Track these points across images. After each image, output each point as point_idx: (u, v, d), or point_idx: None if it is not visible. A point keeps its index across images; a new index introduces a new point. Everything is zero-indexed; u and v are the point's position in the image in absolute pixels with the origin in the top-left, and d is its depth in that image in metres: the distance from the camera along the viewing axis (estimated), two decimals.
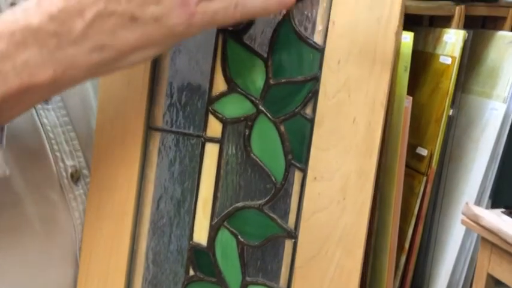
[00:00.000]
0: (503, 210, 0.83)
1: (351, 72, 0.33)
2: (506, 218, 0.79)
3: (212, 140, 0.38)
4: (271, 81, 0.36)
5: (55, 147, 0.41)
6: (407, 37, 0.99)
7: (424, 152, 1.04)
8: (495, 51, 1.02)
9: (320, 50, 0.34)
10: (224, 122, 0.37)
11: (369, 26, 0.33)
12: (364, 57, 0.33)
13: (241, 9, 0.31)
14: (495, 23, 1.01)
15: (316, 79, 0.34)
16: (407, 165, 0.94)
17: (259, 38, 0.35)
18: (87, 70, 0.31)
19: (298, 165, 0.36)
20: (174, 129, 0.38)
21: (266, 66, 0.36)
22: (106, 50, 0.30)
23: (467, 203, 0.87)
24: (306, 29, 0.34)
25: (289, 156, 0.36)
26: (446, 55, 1.00)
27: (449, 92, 0.99)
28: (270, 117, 0.36)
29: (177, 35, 0.31)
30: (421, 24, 1.08)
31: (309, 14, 0.34)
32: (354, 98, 0.33)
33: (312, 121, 0.35)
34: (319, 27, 0.35)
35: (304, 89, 0.35)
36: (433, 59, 1.04)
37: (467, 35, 0.96)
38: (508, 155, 0.98)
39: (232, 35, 0.35)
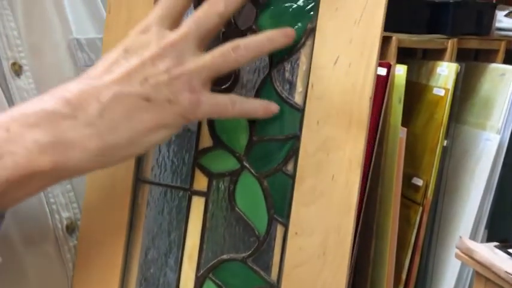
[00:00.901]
0: (496, 244, 0.84)
1: (329, 133, 0.35)
2: (499, 252, 0.80)
3: (198, 193, 0.39)
4: (255, 139, 0.37)
5: (51, 200, 0.43)
6: (401, 70, 1.02)
7: (419, 182, 1.05)
8: (488, 83, 1.04)
9: (300, 111, 0.36)
10: (210, 176, 0.39)
11: (345, 90, 0.34)
12: (341, 120, 0.34)
13: (238, 106, 0.34)
14: (487, 55, 1.03)
15: (296, 138, 0.36)
16: (403, 195, 0.95)
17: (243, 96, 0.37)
18: (99, 153, 0.31)
19: (280, 219, 0.37)
20: (162, 182, 0.40)
21: (249, 124, 0.37)
22: (120, 131, 0.31)
23: (461, 237, 0.88)
24: (286, 90, 0.36)
25: (272, 211, 0.37)
26: (440, 87, 1.02)
27: (443, 123, 1.00)
28: (254, 173, 0.38)
29: (186, 117, 0.33)
30: (414, 56, 1.11)
31: (290, 77, 0.36)
32: (332, 157, 0.35)
33: (293, 177, 0.36)
34: (300, 88, 0.36)
35: (285, 147, 0.36)
36: (427, 91, 1.05)
37: (459, 67, 0.98)
38: (503, 187, 0.99)
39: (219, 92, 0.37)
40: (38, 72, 0.43)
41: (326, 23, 0.35)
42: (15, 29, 0.42)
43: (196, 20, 0.33)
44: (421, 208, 1.02)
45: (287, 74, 0.36)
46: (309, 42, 0.36)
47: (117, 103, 0.30)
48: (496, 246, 0.82)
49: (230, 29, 0.37)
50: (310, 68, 0.35)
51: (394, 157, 1.04)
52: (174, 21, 0.34)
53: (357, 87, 0.34)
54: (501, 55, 1.01)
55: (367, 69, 0.33)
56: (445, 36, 1.01)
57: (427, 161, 1.04)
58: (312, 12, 0.35)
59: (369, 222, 0.86)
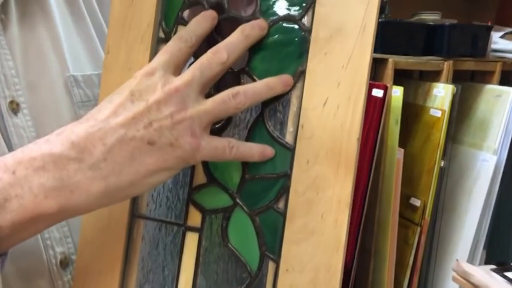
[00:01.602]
0: (493, 267, 0.84)
1: (319, 172, 0.36)
2: (496, 275, 0.80)
3: (192, 229, 0.40)
4: (247, 176, 0.38)
5: (46, 235, 0.44)
6: (398, 91, 1.03)
7: (417, 202, 1.06)
8: (484, 103, 1.05)
9: (291, 150, 0.37)
10: (203, 212, 0.40)
11: (333, 131, 0.35)
12: (331, 160, 0.35)
13: (235, 150, 0.36)
14: (484, 76, 1.04)
15: (287, 176, 0.37)
16: (401, 216, 0.96)
17: (236, 136, 0.38)
18: (102, 195, 0.32)
19: (271, 256, 0.38)
20: (157, 217, 0.41)
21: (242, 162, 0.38)
22: (124, 174, 0.32)
23: (457, 260, 0.88)
24: (278, 129, 0.37)
25: (264, 248, 0.38)
26: (436, 108, 1.03)
27: (440, 144, 1.01)
28: (246, 209, 0.39)
29: (186, 160, 0.34)
30: (411, 77, 1.12)
31: (281, 117, 0.37)
32: (321, 196, 0.36)
33: (284, 215, 0.37)
34: (290, 128, 0.37)
35: (276, 185, 0.37)
36: (424, 111, 1.06)
37: (455, 89, 0.99)
38: (501, 208, 0.99)
39: (213, 133, 0.38)
40: (35, 110, 0.44)
41: (315, 66, 0.36)
42: (13, 67, 0.43)
43: (200, 67, 0.34)
44: (419, 228, 1.03)
45: (278, 114, 0.37)
46: (299, 84, 0.37)
47: (121, 146, 0.31)
48: (492, 270, 0.83)
49: None
50: (300, 109, 0.36)
51: (392, 178, 1.05)
52: (178, 67, 0.36)
53: (345, 129, 0.35)
54: (497, 76, 1.02)
55: (354, 112, 0.35)
56: (441, 58, 1.03)
57: (425, 182, 1.05)
58: (302, 56, 0.37)
59: (367, 242, 0.87)
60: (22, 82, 0.44)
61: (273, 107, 0.37)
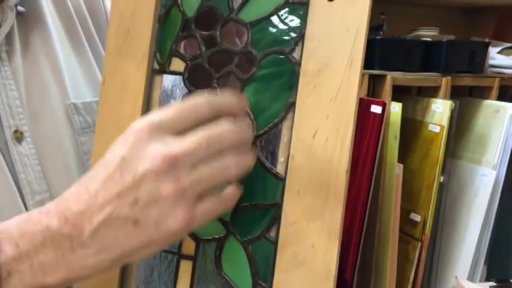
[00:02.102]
0: (492, 284, 0.84)
1: (309, 203, 0.36)
2: None
3: (186, 257, 0.40)
4: (240, 206, 0.39)
5: None
6: (396, 107, 1.03)
7: (417, 217, 1.06)
8: (483, 119, 1.05)
9: (282, 180, 0.38)
10: (197, 241, 0.41)
11: (323, 163, 0.36)
12: (320, 190, 0.36)
13: (228, 204, 0.35)
14: (482, 92, 1.04)
15: (278, 206, 0.37)
16: (401, 231, 0.96)
17: None
18: (95, 268, 0.32)
19: (264, 285, 0.38)
20: None
21: None
22: (111, 251, 0.31)
23: (456, 277, 0.88)
24: (269, 159, 0.38)
25: (256, 277, 0.38)
26: (435, 123, 1.03)
27: (439, 159, 1.01)
28: (239, 238, 0.39)
29: (175, 235, 0.32)
30: (409, 92, 1.12)
31: (272, 147, 0.38)
32: (312, 226, 0.36)
33: (275, 244, 0.38)
34: (281, 159, 0.38)
35: (268, 214, 0.38)
36: (423, 127, 1.07)
37: (454, 105, 0.99)
38: (501, 222, 0.99)
39: None
40: (38, 138, 0.45)
41: (305, 99, 0.37)
42: (18, 97, 0.45)
43: (208, 138, 0.32)
44: (419, 244, 1.03)
45: (270, 145, 0.38)
46: (289, 116, 0.38)
47: (107, 226, 0.31)
48: (492, 287, 0.82)
49: None
50: (291, 140, 0.37)
51: (392, 193, 1.05)
52: (182, 130, 0.33)
53: (334, 161, 0.35)
54: (495, 92, 1.03)
55: (343, 144, 0.35)
56: (439, 74, 1.03)
57: (425, 197, 1.05)
58: (292, 88, 0.37)
59: (368, 258, 0.87)
60: (25, 111, 0.45)
61: (265, 137, 0.38)
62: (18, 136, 0.44)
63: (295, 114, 0.37)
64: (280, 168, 0.38)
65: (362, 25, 0.35)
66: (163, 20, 0.41)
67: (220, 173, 0.32)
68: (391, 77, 1.03)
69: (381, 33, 1.07)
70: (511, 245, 1.03)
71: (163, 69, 0.41)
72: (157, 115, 0.32)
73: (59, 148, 0.47)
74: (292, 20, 0.38)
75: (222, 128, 0.33)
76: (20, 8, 0.45)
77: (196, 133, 0.32)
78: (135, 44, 0.41)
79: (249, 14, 0.39)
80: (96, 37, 0.51)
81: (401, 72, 1.02)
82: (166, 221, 0.31)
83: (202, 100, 0.33)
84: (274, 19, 0.38)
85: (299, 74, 0.37)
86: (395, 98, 1.04)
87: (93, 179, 0.32)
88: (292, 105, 0.37)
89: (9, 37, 0.44)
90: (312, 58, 0.37)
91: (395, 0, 1.19)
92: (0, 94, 0.44)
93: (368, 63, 1.04)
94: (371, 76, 1.04)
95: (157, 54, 0.41)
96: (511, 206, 1.03)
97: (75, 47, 0.50)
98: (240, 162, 0.33)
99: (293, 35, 0.37)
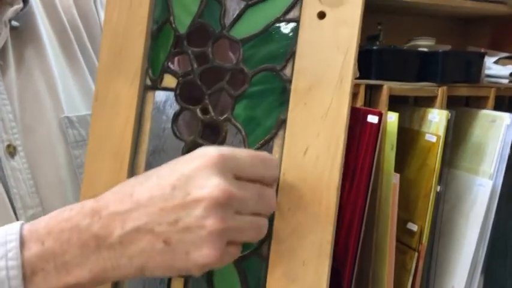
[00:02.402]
0: None
1: (300, 220, 0.36)
2: None
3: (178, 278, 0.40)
4: None
5: None
6: (393, 117, 1.04)
7: (414, 227, 1.06)
8: (479, 128, 1.06)
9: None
10: None
11: (314, 180, 0.36)
12: (311, 208, 0.36)
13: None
14: (478, 102, 1.05)
15: (270, 223, 0.37)
16: (398, 240, 0.95)
17: None
18: (116, 273, 0.32)
19: None
20: None
21: None
22: (133, 260, 0.31)
23: (453, 287, 0.88)
24: None
25: None
26: (432, 133, 1.04)
27: (436, 169, 1.01)
28: None
29: (196, 268, 0.31)
30: (406, 102, 1.12)
31: None
32: (303, 243, 0.36)
33: (267, 261, 0.37)
34: None
35: None
36: (419, 137, 1.07)
37: (450, 115, 1.00)
38: (498, 234, 0.99)
39: None
40: (31, 152, 0.45)
41: (295, 116, 0.37)
42: (11, 111, 0.44)
43: (262, 194, 0.33)
44: (416, 254, 1.03)
45: None
46: (281, 133, 0.38)
47: (137, 235, 0.31)
48: None
49: (208, 117, 0.39)
50: (282, 156, 0.37)
51: (388, 203, 1.05)
52: (242, 176, 0.33)
53: (324, 178, 0.35)
54: (491, 102, 1.03)
55: (334, 162, 0.35)
56: (435, 84, 1.04)
57: (421, 207, 1.05)
58: (283, 105, 0.37)
59: (365, 268, 0.86)
60: (19, 125, 0.45)
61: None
62: (11, 151, 0.44)
63: (287, 132, 0.37)
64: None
65: (352, 44, 0.35)
66: (155, 36, 0.41)
67: (254, 230, 0.33)
68: (388, 87, 1.03)
69: (378, 43, 1.08)
70: (508, 255, 1.03)
71: (156, 86, 0.41)
72: (230, 151, 0.32)
73: (52, 162, 0.47)
74: (283, 37, 0.38)
75: (272, 193, 0.34)
76: (14, 23, 0.45)
77: (254, 185, 0.32)
78: (128, 60, 0.41)
79: (241, 31, 0.39)
80: (90, 49, 0.51)
81: (398, 82, 1.03)
82: (195, 252, 0.30)
83: (274, 161, 0.35)
84: (266, 36, 0.38)
85: (290, 91, 0.37)
86: (392, 108, 1.04)
87: (142, 185, 0.32)
88: (284, 122, 0.37)
89: (3, 52, 0.44)
90: (302, 76, 0.37)
91: (392, 10, 1.20)
92: None
93: (365, 73, 1.05)
94: (368, 86, 1.04)
95: (150, 71, 0.41)
96: (508, 215, 1.03)
97: (69, 59, 0.50)
98: (264, 229, 0.33)
99: (284, 52, 0.37)
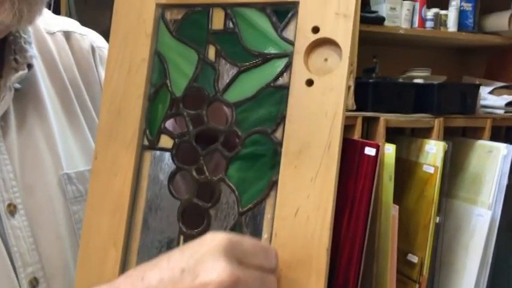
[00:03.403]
0: None
1: (291, 279, 0.37)
2: None
3: None
4: None
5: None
6: (390, 148, 1.05)
7: (414, 259, 1.06)
8: (476, 159, 1.07)
9: None
10: None
11: (305, 241, 0.37)
12: (303, 267, 0.37)
13: None
14: (475, 132, 1.06)
15: None
16: (399, 272, 0.96)
17: None
18: None
19: None
20: None
21: None
22: None
23: None
24: (254, 235, 0.39)
25: None
26: (429, 164, 1.05)
27: (434, 200, 1.02)
28: None
29: None
30: (403, 133, 1.14)
31: (257, 224, 0.39)
32: None
33: None
34: (265, 235, 0.39)
35: None
36: (417, 167, 1.08)
37: (447, 146, 1.01)
38: (498, 264, 0.99)
39: (192, 237, 0.41)
40: (31, 210, 0.46)
41: (286, 178, 0.38)
42: (12, 171, 0.45)
43: (262, 280, 0.34)
44: (417, 285, 1.03)
45: (254, 221, 0.39)
46: (272, 193, 0.39)
47: None
48: None
49: (203, 177, 0.41)
50: (274, 216, 0.38)
51: (388, 234, 1.06)
52: (245, 263, 0.33)
53: (315, 239, 0.37)
54: (487, 132, 1.04)
55: (323, 223, 0.36)
56: (431, 116, 1.05)
57: (421, 238, 1.06)
58: (275, 167, 0.39)
59: None
60: (19, 184, 0.46)
61: (249, 214, 0.40)
62: (12, 209, 0.45)
63: (278, 193, 0.38)
64: None
65: (339, 110, 0.37)
66: (152, 98, 0.43)
67: None
68: (384, 119, 1.05)
69: (374, 75, 1.10)
70: (510, 284, 1.03)
71: (153, 146, 0.43)
72: (237, 237, 0.34)
73: (52, 219, 0.47)
74: (274, 102, 0.39)
75: (274, 280, 0.35)
76: (16, 85, 0.46)
77: (257, 271, 0.34)
78: (126, 121, 0.43)
79: (234, 95, 0.41)
80: (91, 108, 0.52)
81: (395, 114, 1.04)
82: None
83: (274, 251, 0.36)
84: (257, 101, 0.40)
85: (281, 153, 0.39)
86: (388, 139, 1.06)
87: (152, 269, 0.33)
88: (275, 183, 0.39)
89: (5, 114, 0.46)
90: (292, 139, 0.38)
91: (388, 42, 1.22)
92: None
93: (361, 105, 1.07)
94: (364, 118, 1.06)
95: (147, 131, 0.43)
96: (508, 245, 1.04)
97: (69, 117, 0.51)
98: None
99: (275, 116, 0.39)
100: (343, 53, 0.38)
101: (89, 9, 1.20)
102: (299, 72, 0.38)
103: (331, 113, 0.38)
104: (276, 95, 0.40)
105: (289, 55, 0.39)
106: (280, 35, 0.40)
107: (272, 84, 0.40)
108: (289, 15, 0.39)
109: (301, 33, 0.39)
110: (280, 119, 0.39)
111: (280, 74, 0.40)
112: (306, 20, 0.39)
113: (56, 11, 1.09)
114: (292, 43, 0.39)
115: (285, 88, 0.39)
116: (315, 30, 0.38)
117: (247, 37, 0.41)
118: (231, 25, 0.41)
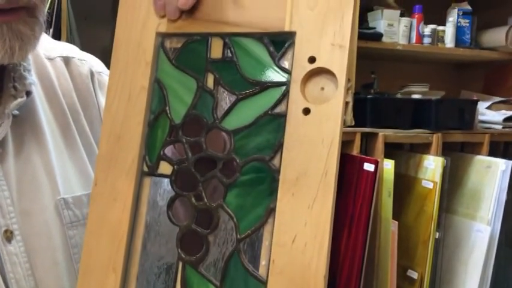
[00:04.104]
0: None
1: None
2: None
3: None
4: None
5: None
6: (389, 164, 1.05)
7: (414, 275, 1.06)
8: (475, 174, 1.08)
9: (264, 283, 0.39)
10: None
11: (302, 268, 0.38)
12: None
13: None
14: (473, 147, 1.07)
15: None
16: None
17: (213, 268, 0.41)
18: None
19: None
20: None
21: None
22: None
23: None
24: (252, 262, 0.40)
25: None
26: (428, 180, 1.05)
27: (434, 216, 1.03)
28: None
29: None
30: (402, 148, 1.15)
31: (255, 250, 0.40)
32: None
33: None
34: (263, 262, 0.40)
35: None
36: (416, 183, 1.09)
37: (445, 161, 1.02)
38: (498, 281, 1.00)
39: (191, 263, 0.41)
40: (28, 235, 0.46)
41: (284, 205, 0.39)
42: (9, 196, 0.45)
43: None
44: None
45: (252, 248, 0.40)
46: (270, 220, 0.40)
47: None
48: None
49: (201, 203, 0.42)
50: (271, 243, 0.39)
51: (388, 250, 1.06)
52: None
53: (312, 266, 0.37)
54: (486, 147, 1.05)
55: (320, 250, 0.37)
56: (429, 131, 1.06)
57: (421, 253, 1.06)
58: (272, 194, 0.40)
59: None
60: (16, 209, 0.46)
61: (247, 240, 0.40)
62: (8, 235, 0.45)
63: (276, 220, 0.39)
64: (262, 272, 0.39)
65: (335, 138, 0.38)
66: (152, 125, 0.44)
67: None
68: (383, 135, 1.06)
69: (372, 91, 1.11)
70: None
71: (152, 172, 0.44)
72: None
73: (48, 244, 0.47)
74: (272, 130, 0.40)
75: None
76: (15, 112, 0.47)
77: None
78: (126, 148, 0.44)
79: (232, 123, 0.41)
80: (88, 132, 0.52)
81: (393, 130, 1.05)
82: None
83: None
84: (255, 128, 0.41)
85: (278, 181, 0.39)
86: (387, 154, 1.07)
87: None
88: (273, 210, 0.39)
89: (3, 140, 0.46)
90: (290, 167, 0.39)
91: (386, 58, 1.24)
92: None
93: (360, 121, 1.08)
94: (363, 134, 1.07)
95: (147, 158, 0.44)
96: (507, 261, 1.04)
97: (67, 141, 0.51)
98: None
99: (273, 144, 0.40)
100: (339, 82, 0.39)
101: (89, 25, 1.21)
102: (296, 101, 0.39)
103: (328, 141, 0.38)
104: (274, 123, 0.41)
105: (286, 84, 0.40)
106: (277, 64, 0.41)
107: (270, 112, 0.40)
108: (286, 45, 0.40)
109: (298, 62, 0.40)
110: (277, 147, 0.40)
111: (278, 103, 0.40)
112: (302, 50, 0.40)
113: (57, 27, 1.10)
114: (289, 72, 0.40)
115: (283, 116, 0.40)
116: (312, 60, 0.39)
117: (245, 66, 0.42)
118: (229, 54, 0.42)
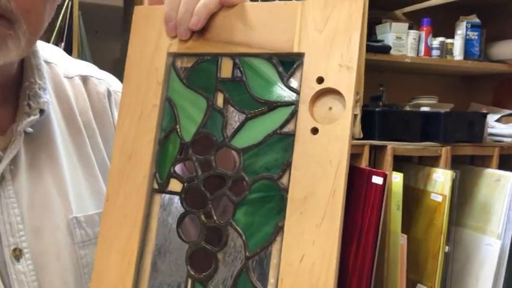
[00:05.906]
0: None
1: None
2: None
3: None
4: None
5: None
6: (397, 177, 1.05)
7: None
8: (485, 188, 1.07)
9: None
10: None
11: (310, 286, 0.38)
12: None
13: None
14: (483, 160, 1.06)
15: None
16: None
17: (222, 285, 0.41)
18: None
19: None
20: None
21: None
22: None
23: None
24: (260, 280, 0.40)
25: None
26: (437, 193, 1.05)
27: (443, 229, 1.02)
28: None
29: None
30: (411, 161, 1.15)
31: (263, 268, 0.40)
32: None
33: None
34: (271, 280, 0.40)
35: None
36: (425, 196, 1.08)
37: (455, 174, 1.02)
38: None
39: (200, 281, 0.42)
40: (37, 253, 0.46)
41: (292, 224, 0.39)
42: (19, 214, 0.45)
43: None
44: None
45: (261, 266, 0.40)
46: (279, 238, 0.40)
47: None
48: None
49: (211, 221, 0.42)
50: (280, 262, 0.39)
51: (397, 264, 1.05)
52: None
53: (320, 285, 0.37)
54: (495, 160, 1.04)
55: (328, 270, 0.37)
56: (438, 144, 1.06)
57: (431, 267, 1.05)
58: (281, 213, 0.40)
59: None
60: (27, 227, 0.46)
61: (256, 258, 0.41)
62: (17, 254, 0.45)
63: (284, 239, 0.39)
64: None
65: (343, 158, 0.38)
66: (163, 143, 0.45)
67: None
68: (392, 148, 1.06)
69: (381, 103, 1.11)
70: None
71: (162, 189, 0.44)
72: None
73: (58, 263, 0.47)
74: (280, 149, 0.41)
75: None
76: (28, 129, 0.47)
77: None
78: (137, 165, 0.45)
79: (241, 141, 0.42)
80: (104, 150, 0.52)
81: (402, 143, 1.05)
82: None
83: None
84: (264, 147, 0.41)
85: (287, 199, 0.40)
86: (396, 166, 1.07)
87: None
88: (281, 228, 0.40)
89: (15, 157, 0.46)
90: (298, 186, 0.39)
91: (394, 70, 1.24)
92: (2, 213, 0.45)
93: (368, 133, 1.08)
94: (372, 146, 1.07)
95: (157, 175, 0.44)
96: None
97: (82, 160, 0.51)
98: None
99: (281, 163, 0.40)
100: (346, 102, 0.39)
101: (99, 39, 1.24)
102: (304, 121, 0.40)
103: (336, 161, 0.39)
104: (282, 142, 0.41)
105: (294, 104, 0.41)
106: (286, 84, 0.41)
107: (278, 131, 0.41)
108: (295, 65, 0.41)
109: (306, 83, 0.40)
110: (286, 166, 0.41)
111: (286, 122, 0.41)
112: (310, 70, 0.40)
113: (68, 41, 1.12)
114: (297, 92, 0.41)
115: (291, 135, 0.40)
116: (320, 80, 0.40)
117: (254, 85, 0.43)
118: (238, 74, 0.43)
